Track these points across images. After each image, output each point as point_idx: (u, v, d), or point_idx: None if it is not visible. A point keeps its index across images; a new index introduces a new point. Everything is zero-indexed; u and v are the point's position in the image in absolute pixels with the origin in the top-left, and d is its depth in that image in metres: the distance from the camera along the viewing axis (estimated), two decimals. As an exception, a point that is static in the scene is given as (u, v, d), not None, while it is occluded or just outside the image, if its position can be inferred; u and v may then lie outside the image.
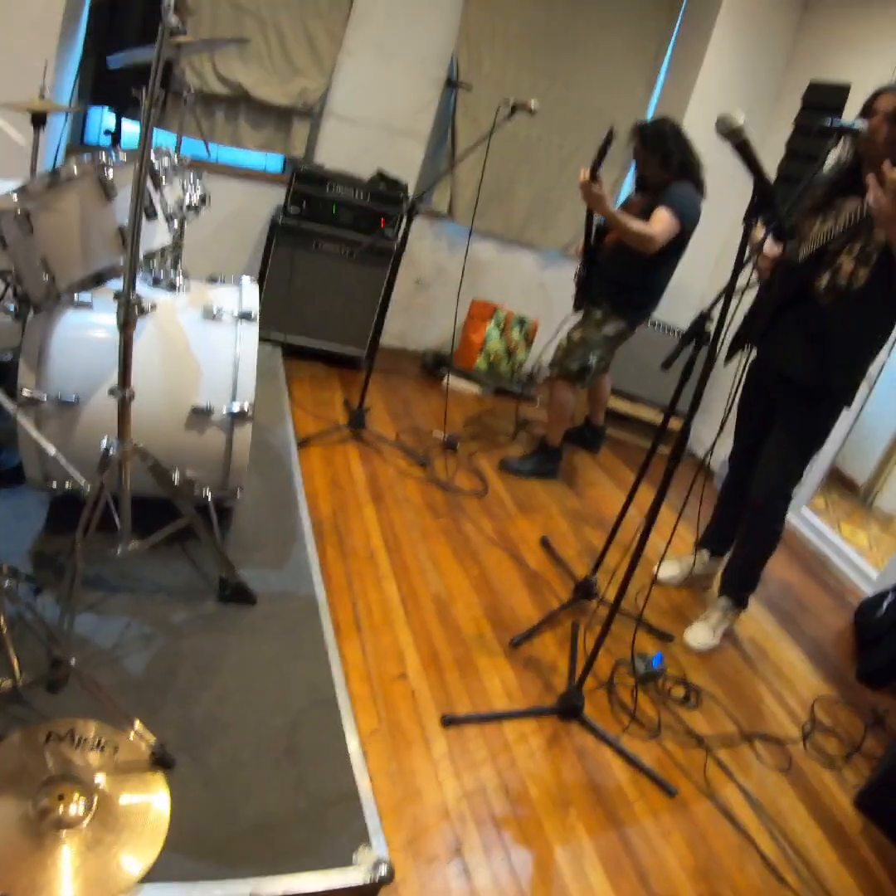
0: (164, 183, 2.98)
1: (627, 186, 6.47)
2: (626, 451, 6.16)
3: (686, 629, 3.93)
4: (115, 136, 4.95)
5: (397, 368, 6.43)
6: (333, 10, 5.64)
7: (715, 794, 3.04)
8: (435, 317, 6.88)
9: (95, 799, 2.19)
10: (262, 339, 3.22)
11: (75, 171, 2.56)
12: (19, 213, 2.51)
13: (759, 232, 3.36)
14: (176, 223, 3.24)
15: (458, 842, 2.54)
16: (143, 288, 3.19)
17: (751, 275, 3.48)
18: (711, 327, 2.74)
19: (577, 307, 5.06)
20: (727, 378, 3.53)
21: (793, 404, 3.58)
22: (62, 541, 3.14)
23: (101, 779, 2.25)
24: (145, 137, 2.16)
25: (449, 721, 3.00)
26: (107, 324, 2.98)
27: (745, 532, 3.95)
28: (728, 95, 6.13)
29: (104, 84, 5.14)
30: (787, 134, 5.91)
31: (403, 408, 5.74)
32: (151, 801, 2.25)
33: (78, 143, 5.65)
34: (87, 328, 3.02)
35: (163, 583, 3.16)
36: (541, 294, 7.00)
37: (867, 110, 3.14)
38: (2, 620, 2.36)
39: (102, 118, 5.65)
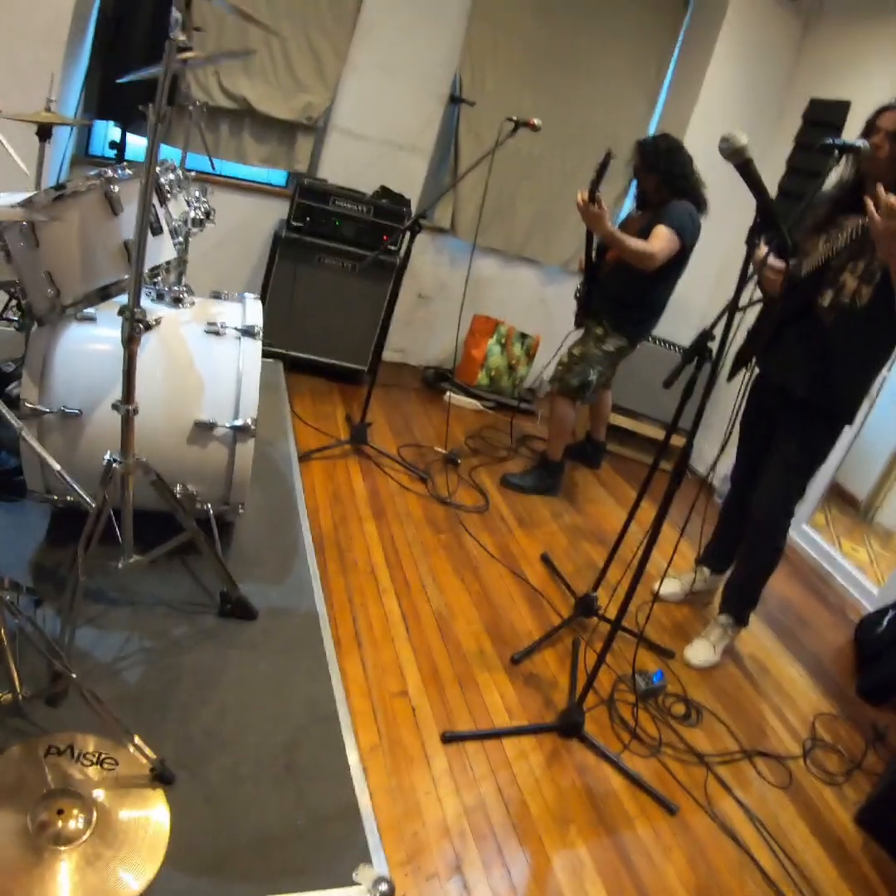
0: (169, 198, 3.00)
1: (629, 202, 6.48)
2: (628, 467, 6.16)
3: (686, 646, 3.93)
4: (120, 148, 4.97)
5: (398, 383, 6.43)
6: (338, 25, 5.66)
7: (715, 810, 3.03)
8: (436, 332, 6.88)
9: (95, 814, 2.18)
10: (263, 353, 3.22)
11: (82, 186, 2.57)
12: (25, 225, 2.51)
13: (761, 249, 3.37)
14: (181, 238, 3.25)
15: (458, 859, 2.54)
16: (147, 302, 3.20)
17: (753, 292, 3.49)
18: (713, 345, 2.74)
19: (578, 324, 5.07)
20: (728, 394, 3.54)
21: (795, 421, 3.58)
22: (63, 553, 3.14)
23: (100, 794, 2.24)
24: (151, 153, 2.17)
25: (449, 738, 2.99)
26: (110, 337, 2.99)
27: (746, 549, 3.94)
28: (729, 112, 6.15)
29: (109, 97, 5.14)
30: (787, 150, 5.92)
31: (404, 423, 5.74)
32: (151, 816, 2.24)
33: (83, 155, 5.65)
34: (90, 342, 3.03)
35: (163, 597, 3.16)
36: (542, 310, 7.01)
37: (870, 128, 3.15)
38: (2, 633, 2.35)
39: (107, 131, 5.66)
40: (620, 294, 4.76)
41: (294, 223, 5.60)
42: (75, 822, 2.14)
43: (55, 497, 3.12)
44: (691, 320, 6.08)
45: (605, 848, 2.75)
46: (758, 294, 3.57)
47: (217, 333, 3.19)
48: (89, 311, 3.00)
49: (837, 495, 6.34)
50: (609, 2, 6.17)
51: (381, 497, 4.58)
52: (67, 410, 2.92)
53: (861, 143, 2.96)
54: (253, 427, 3.13)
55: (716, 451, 3.26)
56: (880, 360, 3.46)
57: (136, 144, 5.11)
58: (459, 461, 5.29)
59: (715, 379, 2.76)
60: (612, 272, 4.77)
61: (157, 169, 2.86)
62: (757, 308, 3.65)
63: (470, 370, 6.51)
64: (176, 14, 2.09)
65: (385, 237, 5.65)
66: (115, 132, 5.20)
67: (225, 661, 2.93)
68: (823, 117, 5.68)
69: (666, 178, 4.56)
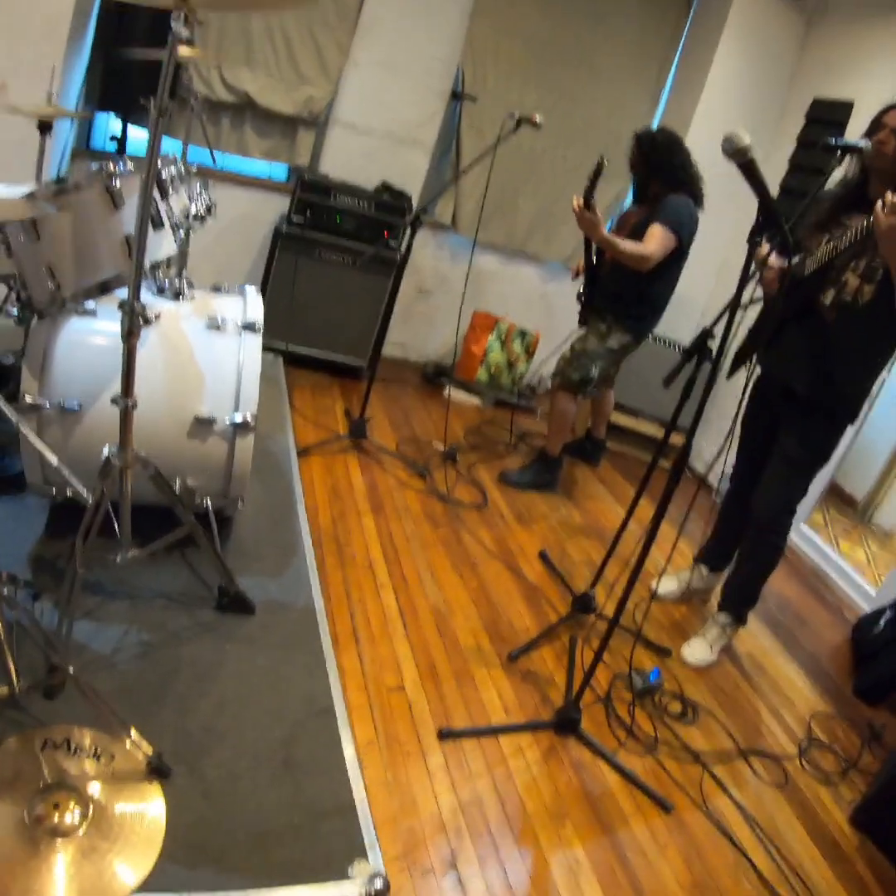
0: (170, 192, 2.99)
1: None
2: (626, 464, 6.16)
3: (684, 644, 3.93)
4: (121, 141, 4.96)
5: (398, 378, 6.44)
6: (341, 20, 5.66)
7: (711, 809, 3.03)
8: (436, 327, 6.88)
9: (91, 807, 2.18)
10: (263, 348, 3.22)
11: (83, 180, 2.57)
12: (26, 219, 2.51)
13: (763, 247, 3.37)
14: (182, 232, 3.25)
15: (453, 854, 2.54)
16: (147, 296, 3.19)
17: (754, 290, 3.48)
18: (713, 344, 2.74)
19: (582, 323, 5.06)
20: (728, 393, 3.55)
21: (797, 419, 3.58)
22: (62, 546, 3.14)
23: (96, 787, 2.24)
24: (153, 147, 2.17)
25: (446, 734, 2.99)
26: (110, 331, 2.99)
27: (747, 547, 3.94)
28: (732, 111, 6.15)
29: (111, 90, 5.14)
30: (790, 150, 5.92)
31: (404, 418, 5.74)
32: (147, 810, 2.24)
33: (84, 148, 5.64)
34: (90, 335, 3.02)
35: (161, 590, 3.16)
36: (543, 306, 7.01)
37: (875, 125, 3.14)
38: (-1, 626, 2.36)
39: (108, 124, 5.66)
40: (621, 291, 4.76)
41: (295, 218, 5.59)
42: (71, 816, 2.14)
43: (54, 490, 3.12)
44: (691, 318, 6.09)
45: (600, 845, 2.75)
46: (759, 292, 3.57)
47: (217, 328, 3.19)
48: (89, 304, 3.00)
49: (836, 495, 6.35)
50: (612, -1, 6.17)
51: (380, 492, 4.58)
52: (67, 404, 2.92)
53: (863, 142, 2.96)
54: (253, 422, 3.13)
55: (715, 449, 3.26)
56: (882, 358, 3.45)
57: (138, 137, 5.11)
58: (458, 457, 5.29)
59: (715, 378, 2.76)
60: (611, 270, 4.77)
61: (159, 163, 2.85)
62: (758, 306, 3.64)
63: (469, 366, 6.51)
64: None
65: (386, 233, 5.64)
66: (116, 125, 5.20)
67: (223, 654, 2.93)
68: (826, 116, 5.68)
69: (663, 172, 4.56)
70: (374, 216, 5.71)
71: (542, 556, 4.40)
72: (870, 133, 3.13)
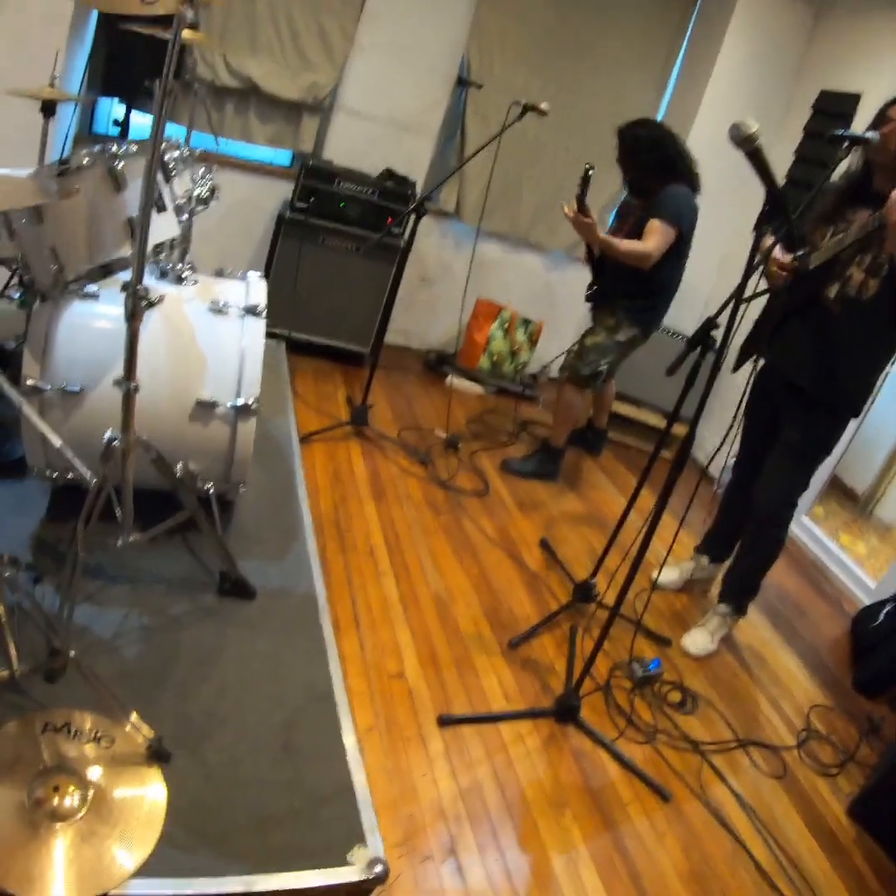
0: (174, 175, 2.98)
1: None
2: (628, 454, 6.16)
3: (684, 634, 3.93)
4: (124, 126, 4.95)
5: (400, 366, 6.43)
6: (346, 5, 5.64)
7: (709, 799, 3.03)
8: (439, 315, 6.87)
9: (90, 791, 2.18)
10: (265, 334, 3.21)
11: (86, 162, 2.55)
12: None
13: (767, 240, 3.36)
14: (185, 215, 3.24)
15: (452, 841, 2.54)
16: (150, 280, 3.18)
17: (758, 282, 3.47)
18: (717, 333, 2.74)
19: (588, 300, 5.05)
20: (731, 383, 3.54)
21: (800, 413, 3.57)
22: (63, 530, 3.13)
23: (96, 771, 2.24)
24: (158, 128, 2.16)
25: (446, 720, 3.00)
26: (113, 315, 2.98)
27: (748, 539, 3.94)
28: (738, 102, 6.12)
29: (114, 75, 5.13)
30: (795, 142, 5.90)
31: (406, 406, 5.74)
32: (147, 794, 2.24)
33: (86, 133, 5.64)
34: (92, 318, 3.02)
35: (162, 574, 3.15)
36: (546, 295, 6.98)
37: (881, 118, 3.13)
38: (0, 609, 2.35)
39: (111, 109, 5.65)
40: (626, 285, 4.73)
41: (298, 204, 5.57)
42: (71, 799, 2.14)
43: (55, 475, 3.11)
44: (695, 308, 6.08)
45: (599, 833, 2.75)
46: (763, 284, 3.56)
47: (220, 312, 3.18)
48: (92, 287, 2.99)
49: (837, 488, 6.34)
50: (619, -12, 6.15)
51: (382, 479, 4.58)
52: (69, 387, 2.91)
53: (871, 134, 2.95)
54: (255, 406, 3.12)
55: (716, 439, 3.25)
56: (886, 352, 3.44)
57: (140, 123, 5.10)
58: (460, 445, 5.28)
59: (718, 368, 2.75)
60: (615, 265, 4.75)
61: (163, 145, 2.84)
62: (762, 299, 3.63)
63: (472, 354, 6.50)
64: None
65: (389, 220, 5.62)
66: (119, 110, 5.19)
67: (224, 639, 2.93)
68: (833, 108, 5.66)
69: (655, 168, 4.53)
70: (378, 203, 5.69)
71: (543, 545, 4.40)
72: (875, 126, 3.11)
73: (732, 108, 5.99)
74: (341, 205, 5.63)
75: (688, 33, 6.48)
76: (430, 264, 6.68)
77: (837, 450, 3.76)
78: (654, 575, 4.23)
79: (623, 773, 3.03)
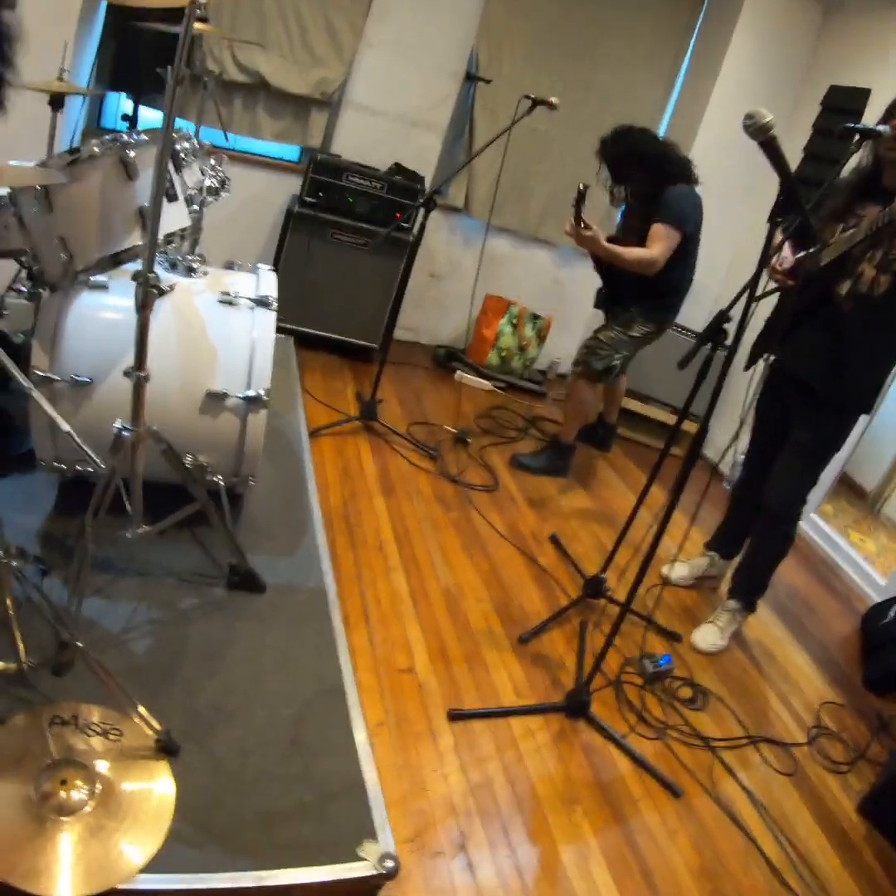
0: (184, 166, 2.97)
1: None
2: (637, 450, 6.15)
3: (694, 630, 3.91)
4: (132, 121, 4.94)
5: (409, 361, 6.41)
6: (355, 2, 5.63)
7: (720, 795, 3.02)
8: (448, 311, 6.85)
9: (98, 785, 2.16)
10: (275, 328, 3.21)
11: (97, 150, 2.54)
12: (39, 190, 2.49)
13: (778, 237, 3.34)
14: (196, 206, 3.23)
15: (463, 837, 2.53)
16: (160, 271, 3.17)
17: (768, 280, 3.46)
18: (729, 328, 2.72)
19: (597, 305, 5.03)
20: (740, 380, 3.52)
21: (811, 410, 3.55)
22: (71, 524, 3.11)
23: (104, 764, 2.22)
24: (169, 115, 2.15)
25: (456, 715, 2.99)
26: (122, 305, 2.97)
27: (758, 535, 3.93)
28: (746, 100, 6.02)
29: (122, 69, 5.13)
30: (804, 138, 5.87)
31: (415, 401, 5.73)
32: (155, 788, 2.23)
33: (94, 127, 5.63)
34: (102, 309, 3.00)
35: (172, 567, 3.14)
36: (555, 291, 6.97)
37: (890, 113, 3.11)
38: (8, 601, 2.33)
39: (119, 103, 5.64)
40: (637, 288, 4.70)
41: (307, 199, 5.57)
42: (78, 793, 2.12)
43: (64, 467, 3.10)
44: (704, 306, 6.06)
45: (610, 829, 2.74)
46: (773, 284, 3.54)
47: (231, 303, 3.17)
48: (101, 278, 2.98)
49: (846, 486, 6.32)
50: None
51: (391, 474, 4.57)
52: (78, 378, 2.90)
53: (882, 128, 2.92)
54: (265, 398, 3.11)
55: (726, 436, 3.24)
56: (898, 349, 3.44)
57: (149, 118, 5.09)
58: (469, 440, 5.27)
59: (730, 363, 2.74)
60: (623, 270, 4.72)
61: (173, 135, 2.83)
62: (774, 296, 3.61)
63: (481, 350, 6.49)
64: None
65: (398, 214, 5.61)
66: (127, 105, 5.18)
67: (233, 633, 2.92)
68: (842, 104, 5.63)
69: (648, 178, 4.51)
70: (387, 197, 5.68)
71: (553, 540, 4.39)
72: (885, 121, 3.10)
73: (741, 106, 5.87)
74: (350, 200, 5.62)
75: (696, 30, 6.46)
76: (439, 259, 6.67)
77: (847, 448, 3.76)
78: (664, 571, 4.23)
79: (634, 769, 3.02)
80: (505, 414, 5.98)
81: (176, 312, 3.06)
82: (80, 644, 2.32)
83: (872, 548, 5.73)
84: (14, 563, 2.32)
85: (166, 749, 2.33)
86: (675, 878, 2.64)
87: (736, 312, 2.68)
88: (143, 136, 2.64)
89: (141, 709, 2.32)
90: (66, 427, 2.66)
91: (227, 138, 4.62)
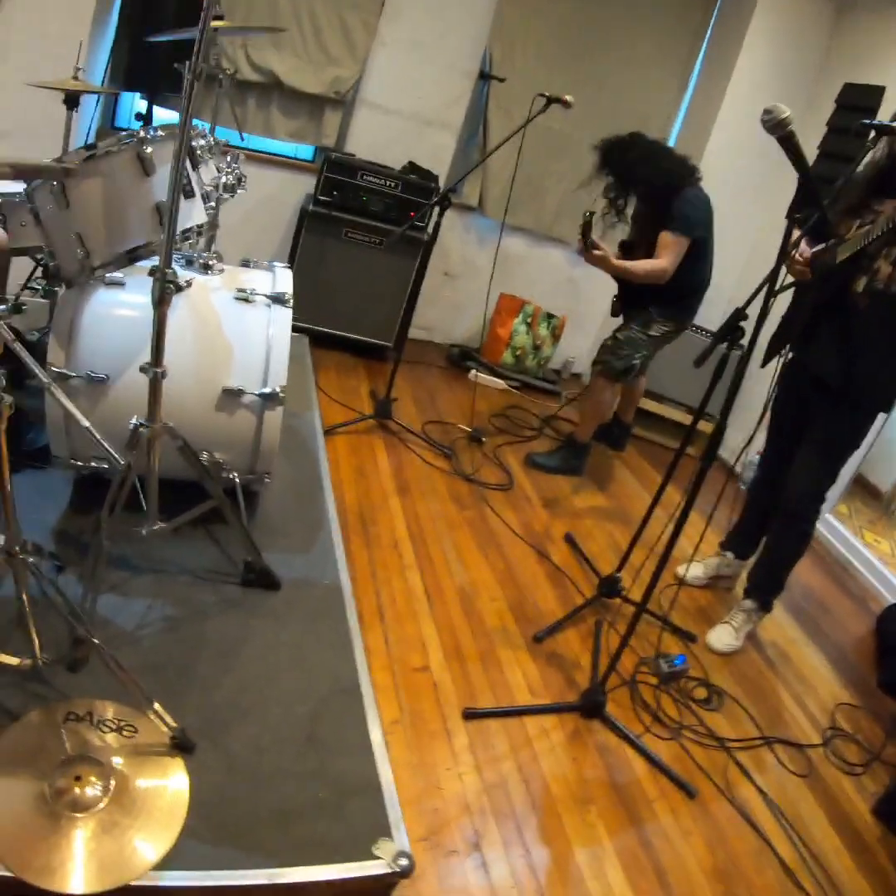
0: (201, 163, 2.97)
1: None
2: (652, 450, 6.13)
3: (709, 630, 3.90)
4: (146, 120, 4.95)
5: (423, 360, 6.42)
6: (368, 0, 5.62)
7: (735, 796, 3.01)
8: (462, 310, 6.85)
9: (112, 781, 2.16)
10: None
11: (114, 146, 2.54)
12: (56, 186, 2.49)
13: (795, 234, 3.33)
14: (212, 203, 3.23)
15: (477, 836, 2.53)
16: (176, 268, 3.17)
17: (786, 275, 3.44)
18: (747, 326, 2.71)
19: (615, 314, 5.02)
20: (756, 379, 3.51)
21: (828, 408, 3.54)
22: (86, 520, 3.12)
23: (118, 761, 2.22)
24: (187, 111, 2.14)
25: (471, 714, 2.98)
26: (138, 302, 2.96)
27: (775, 534, 3.92)
28: (760, 98, 5.99)
29: (137, 69, 5.13)
30: (818, 138, 5.85)
31: (429, 400, 5.72)
32: (169, 785, 2.22)
33: (109, 127, 5.64)
34: (118, 305, 3.01)
35: (187, 565, 3.14)
36: (570, 290, 6.96)
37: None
38: (24, 597, 2.33)
39: (133, 103, 5.65)
40: (654, 293, 4.68)
41: (321, 197, 5.57)
42: (93, 789, 2.12)
43: (79, 463, 3.10)
44: (719, 306, 6.03)
45: (624, 829, 2.73)
46: (791, 278, 3.53)
47: (247, 300, 3.17)
48: (117, 275, 2.98)
49: (861, 487, 6.29)
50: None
51: (406, 473, 4.57)
52: (94, 375, 2.90)
53: (898, 124, 2.91)
54: (281, 395, 3.11)
55: (741, 436, 3.22)
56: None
57: (163, 117, 5.10)
58: (484, 439, 5.27)
59: (747, 361, 2.73)
60: None
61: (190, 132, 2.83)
62: (790, 293, 3.60)
63: (495, 349, 6.49)
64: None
65: (412, 213, 5.60)
66: (141, 104, 5.19)
67: (248, 630, 2.91)
68: (857, 101, 5.60)
69: (653, 192, 4.51)
70: (401, 196, 5.68)
71: (568, 539, 4.38)
72: None
73: (754, 105, 5.87)
74: (364, 198, 5.62)
75: (710, 29, 6.45)
76: (454, 258, 6.66)
77: (862, 448, 3.74)
78: (679, 570, 4.21)
79: (648, 769, 3.01)
80: (520, 413, 5.97)
81: (192, 309, 3.06)
82: (95, 640, 2.32)
83: (887, 548, 5.69)
84: (29, 559, 2.32)
85: (181, 746, 2.33)
86: (688, 879, 2.63)
87: (752, 311, 2.67)
88: (160, 132, 2.64)
89: (156, 705, 2.32)
90: (85, 423, 2.66)
91: (241, 138, 4.61)
